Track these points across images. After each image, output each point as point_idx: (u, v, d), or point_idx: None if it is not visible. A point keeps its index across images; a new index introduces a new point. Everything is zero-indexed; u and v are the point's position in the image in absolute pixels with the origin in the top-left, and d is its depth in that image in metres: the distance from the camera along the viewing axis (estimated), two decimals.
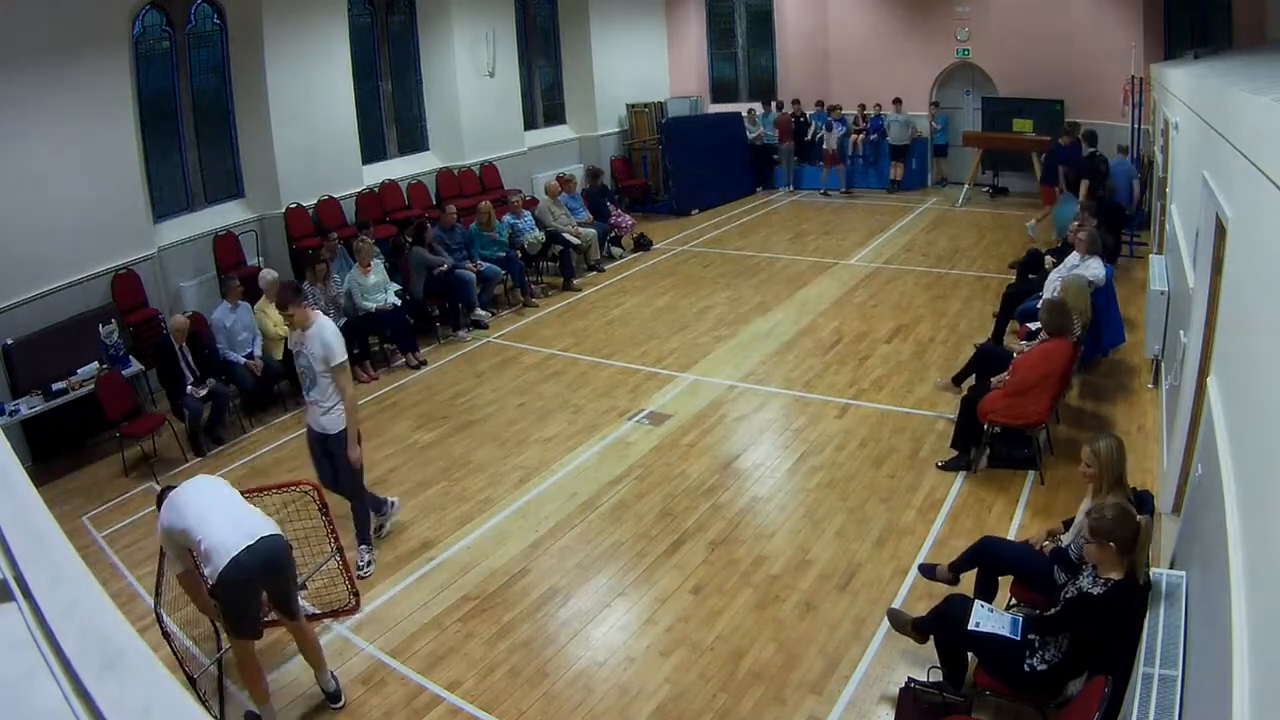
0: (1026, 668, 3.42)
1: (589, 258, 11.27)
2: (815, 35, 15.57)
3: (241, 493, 4.12)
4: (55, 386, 6.83)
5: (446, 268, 9.13)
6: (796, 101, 15.41)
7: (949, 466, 5.80)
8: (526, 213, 10.73)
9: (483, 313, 9.47)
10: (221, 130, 9.56)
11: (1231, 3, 11.02)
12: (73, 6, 7.34)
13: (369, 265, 8.49)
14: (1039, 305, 6.51)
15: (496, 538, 5.40)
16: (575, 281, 10.63)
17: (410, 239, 9.38)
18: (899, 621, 4.07)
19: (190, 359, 7.02)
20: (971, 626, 3.52)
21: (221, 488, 4.03)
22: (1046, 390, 5.46)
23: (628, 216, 12.22)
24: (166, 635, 4.15)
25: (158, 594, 4.25)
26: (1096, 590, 3.25)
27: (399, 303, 8.56)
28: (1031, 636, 3.46)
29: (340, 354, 4.89)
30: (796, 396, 7.14)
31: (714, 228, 13.22)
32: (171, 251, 8.69)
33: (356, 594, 4.63)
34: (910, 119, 14.40)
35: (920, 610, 4.10)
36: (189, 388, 6.92)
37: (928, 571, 4.40)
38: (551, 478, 6.12)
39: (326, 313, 8.03)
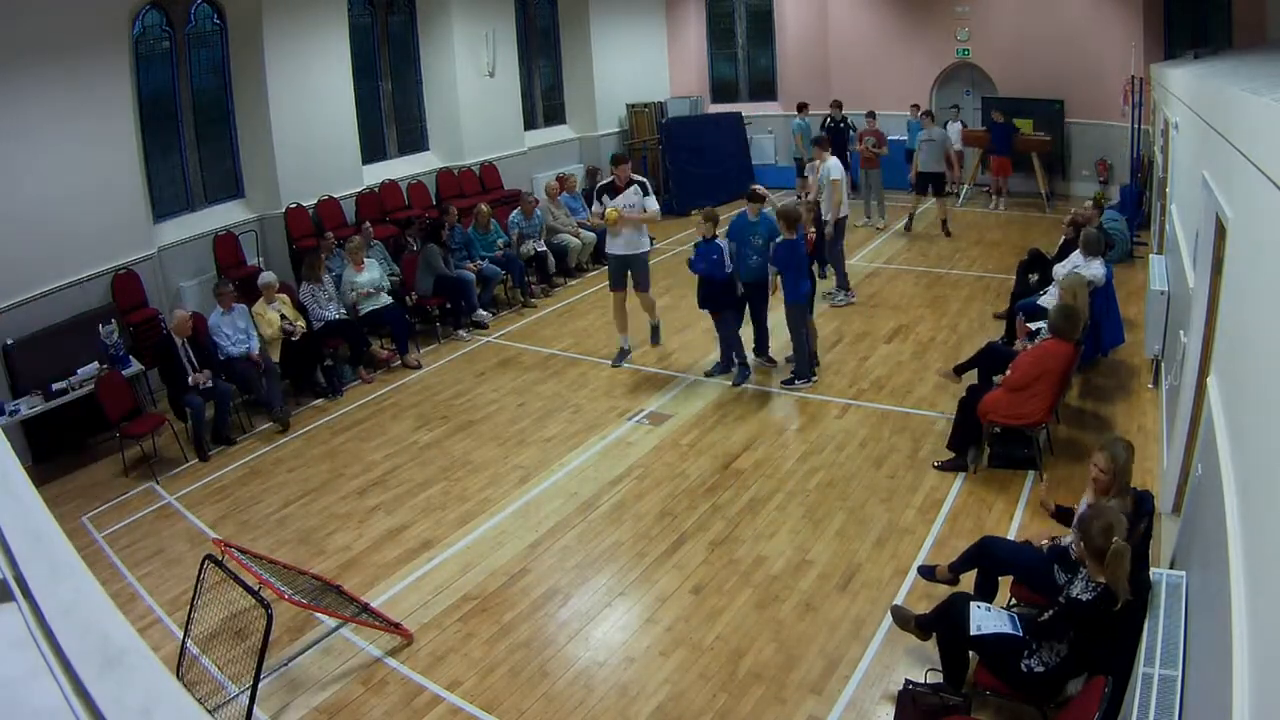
0: (1024, 668, 3.42)
1: (582, 259, 11.24)
2: (815, 35, 15.56)
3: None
4: (55, 386, 6.83)
5: (451, 271, 9.17)
6: (838, 104, 13.66)
7: (947, 467, 5.80)
8: (538, 212, 10.72)
9: (484, 313, 9.45)
10: (221, 130, 9.56)
11: (1231, 3, 11.02)
12: (73, 6, 7.34)
13: (361, 264, 8.49)
14: (1047, 305, 6.56)
15: (496, 538, 5.40)
16: (543, 293, 10.41)
17: (419, 238, 9.40)
18: (902, 618, 4.08)
19: (191, 355, 7.01)
20: (974, 632, 3.52)
21: None
22: (1044, 390, 5.45)
23: None
24: (181, 658, 4.20)
25: (187, 630, 4.35)
26: (1086, 596, 3.26)
27: (391, 300, 8.57)
28: (1028, 638, 3.46)
29: None
30: (796, 397, 7.14)
31: None
32: (171, 251, 8.69)
33: (396, 624, 4.58)
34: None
35: (920, 610, 4.10)
36: (190, 379, 6.89)
37: (927, 573, 4.40)
38: (551, 478, 6.12)
39: (326, 309, 8.08)
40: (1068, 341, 5.53)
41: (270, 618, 3.94)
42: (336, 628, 4.62)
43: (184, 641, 4.38)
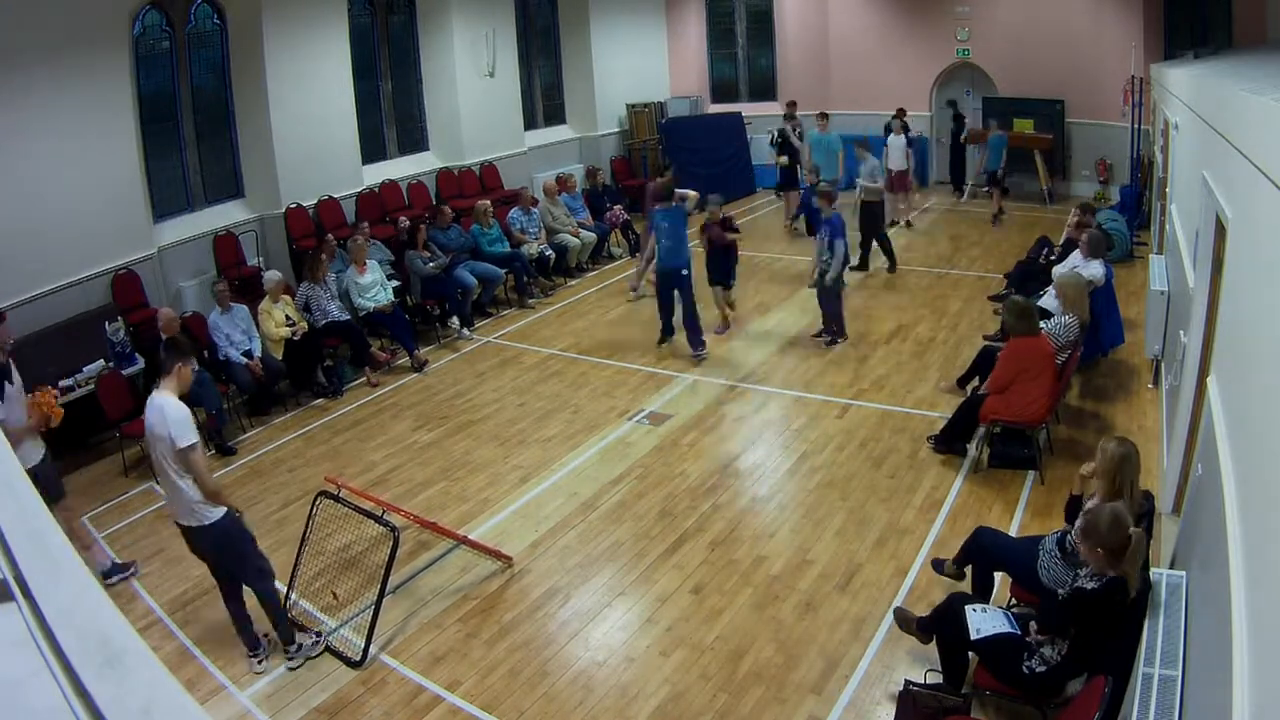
0: (1025, 669, 3.42)
1: (582, 259, 11.23)
2: (815, 35, 15.57)
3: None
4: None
5: (435, 266, 9.10)
6: (793, 104, 13.78)
7: (939, 448, 5.97)
8: (535, 210, 10.71)
9: (466, 331, 9.18)
10: (221, 130, 9.56)
11: (1231, 3, 11.02)
12: (73, 7, 7.34)
13: (364, 264, 8.48)
14: (1047, 305, 6.56)
15: (496, 538, 5.40)
16: (546, 292, 10.39)
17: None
18: (904, 620, 4.08)
19: None
20: (974, 636, 3.52)
21: None
22: (1032, 388, 5.43)
23: (620, 211, 12.09)
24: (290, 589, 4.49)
25: (296, 563, 4.76)
26: (1092, 585, 3.25)
27: (393, 299, 8.56)
28: (1029, 639, 3.46)
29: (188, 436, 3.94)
30: (796, 396, 7.14)
31: None
32: (171, 251, 8.69)
33: (496, 550, 5.11)
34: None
35: (919, 611, 4.11)
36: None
37: (938, 566, 4.43)
38: (551, 478, 6.12)
39: (328, 309, 8.07)
40: (1030, 336, 5.55)
41: (397, 538, 4.48)
42: (450, 549, 5.27)
43: (293, 572, 4.83)
